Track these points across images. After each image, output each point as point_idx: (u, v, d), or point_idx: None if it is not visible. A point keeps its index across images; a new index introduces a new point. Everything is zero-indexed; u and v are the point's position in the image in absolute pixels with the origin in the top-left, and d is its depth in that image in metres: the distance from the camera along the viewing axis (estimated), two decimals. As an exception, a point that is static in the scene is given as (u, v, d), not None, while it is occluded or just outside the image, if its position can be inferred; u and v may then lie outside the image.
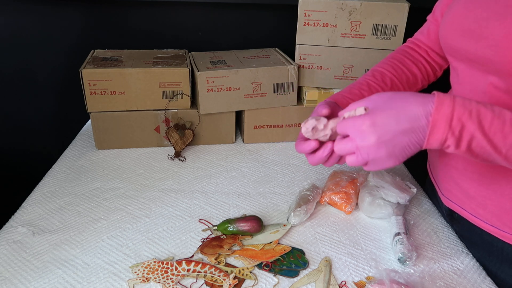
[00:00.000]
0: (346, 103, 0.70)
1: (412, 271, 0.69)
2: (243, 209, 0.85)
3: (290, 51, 1.12)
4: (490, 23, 0.57)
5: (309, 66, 1.08)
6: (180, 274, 0.66)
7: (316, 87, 1.10)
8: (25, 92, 1.34)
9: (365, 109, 0.53)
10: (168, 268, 0.67)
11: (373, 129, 0.50)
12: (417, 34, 0.84)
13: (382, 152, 0.51)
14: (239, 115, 1.15)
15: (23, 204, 0.84)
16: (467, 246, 0.76)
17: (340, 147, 0.55)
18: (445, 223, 0.82)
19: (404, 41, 0.95)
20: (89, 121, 1.22)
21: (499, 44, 0.55)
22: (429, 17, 0.81)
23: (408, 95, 0.51)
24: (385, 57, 0.82)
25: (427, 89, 0.84)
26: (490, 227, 0.68)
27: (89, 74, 0.97)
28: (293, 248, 0.73)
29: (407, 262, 0.69)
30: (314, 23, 1.03)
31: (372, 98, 0.53)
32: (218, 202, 0.87)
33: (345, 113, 0.56)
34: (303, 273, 0.68)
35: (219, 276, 0.66)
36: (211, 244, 0.73)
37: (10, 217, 0.80)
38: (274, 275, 0.67)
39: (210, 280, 0.66)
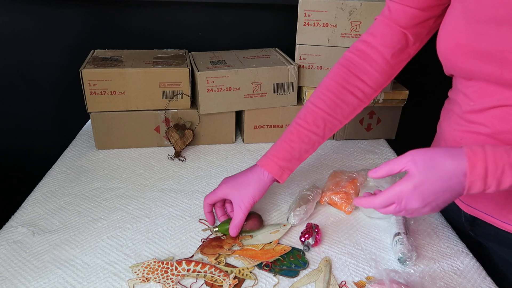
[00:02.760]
0: (281, 173, 0.74)
1: (412, 271, 0.69)
2: (243, 209, 0.85)
3: (290, 51, 1.12)
4: (510, 47, 0.55)
5: (309, 66, 1.08)
6: (180, 274, 0.66)
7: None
8: (25, 92, 1.34)
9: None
10: (168, 268, 0.67)
11: (417, 196, 0.55)
12: (367, 37, 0.74)
13: (426, 210, 0.57)
14: (239, 115, 1.15)
15: (23, 204, 0.84)
16: (493, 248, 0.75)
17: (385, 210, 0.59)
18: (445, 223, 0.82)
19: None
20: (89, 121, 1.22)
21: None
22: (379, 17, 0.74)
23: (443, 159, 0.53)
24: (321, 84, 0.76)
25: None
26: None
27: (89, 74, 0.97)
28: (293, 248, 0.73)
29: (407, 262, 0.69)
30: (314, 23, 1.03)
31: (410, 160, 0.55)
32: (218, 202, 0.87)
33: (374, 175, 0.60)
34: (303, 273, 0.68)
35: (219, 276, 0.66)
36: (211, 244, 0.73)
37: (10, 217, 0.80)
38: (274, 275, 0.67)
39: (210, 280, 0.66)
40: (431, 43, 0.74)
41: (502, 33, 0.55)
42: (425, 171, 0.54)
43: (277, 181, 0.76)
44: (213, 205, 0.79)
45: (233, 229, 0.73)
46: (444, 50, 0.65)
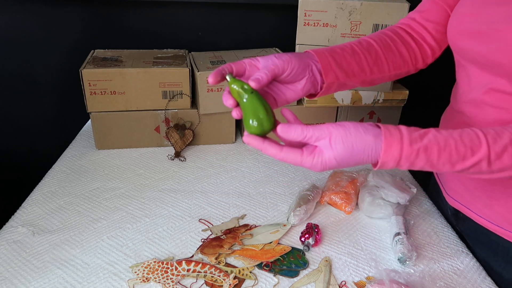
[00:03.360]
0: (327, 63, 0.63)
1: (412, 271, 0.69)
2: (243, 209, 0.85)
3: (290, 51, 1.11)
4: (500, 25, 0.56)
5: (309, 66, 1.08)
6: (180, 274, 0.66)
7: (316, 87, 1.10)
8: (25, 92, 1.34)
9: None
10: (168, 268, 0.67)
11: (322, 168, 0.53)
12: (413, 14, 0.76)
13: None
14: (239, 115, 1.15)
15: (23, 204, 0.84)
16: (472, 245, 0.76)
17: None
18: (445, 223, 0.82)
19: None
20: (89, 121, 1.22)
21: (509, 47, 0.55)
22: None
23: (359, 146, 0.51)
24: (374, 33, 0.75)
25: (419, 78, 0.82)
26: (496, 227, 0.68)
27: (89, 74, 0.97)
28: (293, 248, 0.73)
29: (407, 262, 0.69)
30: (314, 23, 1.02)
31: (326, 141, 0.52)
32: (218, 202, 0.87)
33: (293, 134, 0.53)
34: (303, 273, 0.68)
35: (219, 276, 0.66)
36: (211, 244, 0.73)
37: (10, 217, 0.80)
38: (274, 275, 0.67)
39: (210, 280, 0.66)
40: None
41: (500, 12, 0.57)
42: (339, 160, 0.52)
43: (315, 88, 0.64)
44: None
45: (253, 80, 0.55)
46: (449, 31, 0.67)
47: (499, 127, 0.52)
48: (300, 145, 0.54)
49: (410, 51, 0.73)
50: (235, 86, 0.56)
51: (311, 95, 0.66)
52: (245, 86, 0.55)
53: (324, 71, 0.62)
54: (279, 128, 0.53)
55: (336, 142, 0.51)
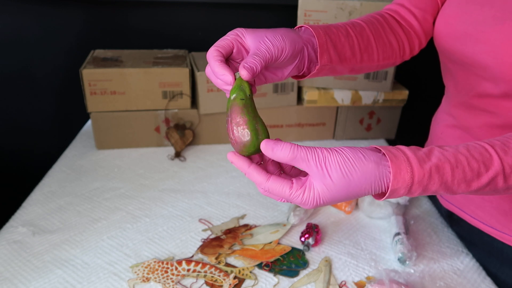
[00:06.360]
0: (324, 39, 0.57)
1: (412, 271, 0.69)
2: (243, 209, 0.85)
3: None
4: (487, 27, 0.56)
5: (309, 66, 1.08)
6: (180, 274, 0.66)
7: (316, 87, 1.10)
8: (25, 92, 1.34)
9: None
10: (168, 268, 0.67)
11: (322, 202, 0.44)
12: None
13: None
14: (239, 115, 1.15)
15: (23, 204, 0.84)
16: (467, 247, 0.76)
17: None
18: (445, 223, 0.82)
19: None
20: (89, 121, 1.22)
21: (496, 49, 0.55)
22: None
23: (359, 165, 0.43)
24: (363, 15, 0.70)
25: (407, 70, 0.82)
26: (490, 228, 0.68)
27: (89, 74, 0.97)
28: (293, 248, 0.74)
29: (407, 262, 0.69)
30: (314, 23, 1.02)
31: (318, 170, 0.42)
32: (218, 202, 0.87)
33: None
34: (303, 273, 0.68)
35: (219, 276, 0.66)
36: (211, 244, 0.73)
37: (10, 217, 0.80)
38: (274, 275, 0.67)
39: (210, 280, 0.66)
40: (432, 44, 0.75)
41: (485, 13, 0.57)
42: (334, 193, 0.43)
43: (308, 69, 0.57)
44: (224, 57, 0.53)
45: (246, 68, 0.47)
46: (436, 32, 0.66)
47: (501, 137, 0.48)
48: (292, 175, 0.47)
49: (399, 40, 0.68)
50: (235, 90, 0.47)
51: (295, 76, 0.60)
52: (245, 89, 0.48)
53: (320, 50, 0.56)
54: (263, 145, 0.44)
55: (332, 170, 0.42)
